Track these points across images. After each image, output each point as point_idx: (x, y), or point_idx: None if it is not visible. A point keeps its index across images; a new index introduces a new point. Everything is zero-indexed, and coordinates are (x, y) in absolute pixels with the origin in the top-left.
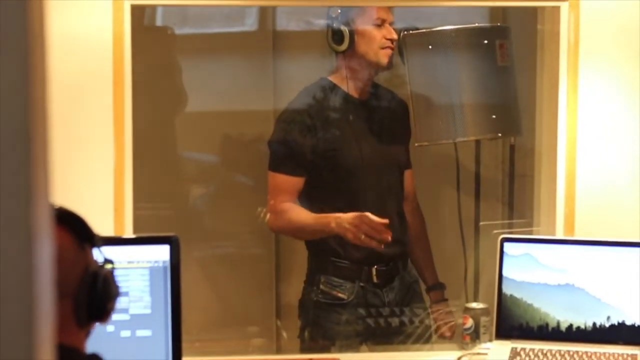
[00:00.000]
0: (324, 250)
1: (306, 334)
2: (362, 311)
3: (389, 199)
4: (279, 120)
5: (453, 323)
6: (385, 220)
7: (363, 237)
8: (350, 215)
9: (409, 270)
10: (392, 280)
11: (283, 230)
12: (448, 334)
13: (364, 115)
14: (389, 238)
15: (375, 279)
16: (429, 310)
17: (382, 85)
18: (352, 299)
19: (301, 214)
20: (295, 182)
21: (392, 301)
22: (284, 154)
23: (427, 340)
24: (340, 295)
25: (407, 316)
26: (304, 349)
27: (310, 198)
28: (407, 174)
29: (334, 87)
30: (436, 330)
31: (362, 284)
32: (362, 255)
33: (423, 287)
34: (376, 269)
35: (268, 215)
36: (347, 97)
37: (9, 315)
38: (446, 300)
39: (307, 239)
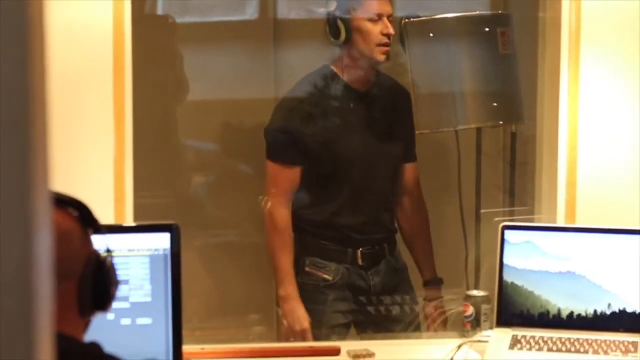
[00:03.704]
0: (310, 233)
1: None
2: (348, 293)
3: (379, 186)
4: (276, 108)
5: (443, 319)
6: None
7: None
8: (297, 313)
9: (397, 256)
10: (377, 264)
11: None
12: (437, 330)
13: (363, 105)
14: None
15: (360, 261)
16: (423, 304)
17: (386, 74)
18: (337, 280)
19: (282, 249)
20: (292, 172)
21: (378, 284)
22: (280, 143)
23: (417, 327)
24: (325, 276)
25: (394, 301)
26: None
27: (305, 187)
28: (409, 166)
29: (334, 76)
30: (427, 325)
31: (347, 266)
32: (347, 237)
33: (414, 275)
34: (361, 251)
35: (268, 205)
36: (346, 87)
37: (7, 305)
38: (440, 297)
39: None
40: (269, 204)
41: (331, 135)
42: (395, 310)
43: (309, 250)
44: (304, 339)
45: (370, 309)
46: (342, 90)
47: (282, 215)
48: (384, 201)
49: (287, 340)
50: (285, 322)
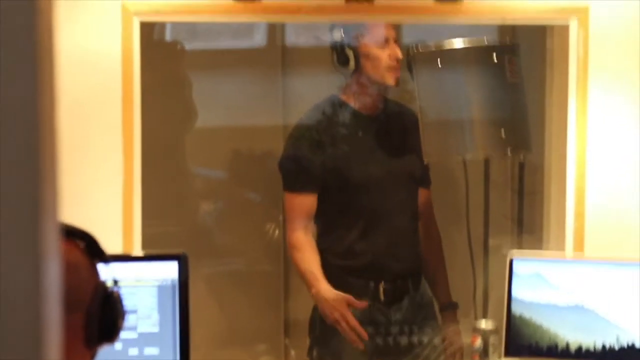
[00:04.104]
0: (332, 266)
1: (315, 352)
2: (368, 329)
3: (400, 215)
4: (289, 138)
5: (460, 346)
6: (364, 335)
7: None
8: (333, 297)
9: (422, 291)
10: (400, 299)
11: (294, 264)
12: (453, 358)
13: (374, 130)
14: (361, 345)
15: (382, 297)
16: (442, 333)
17: (395, 101)
18: (357, 316)
19: (307, 263)
20: (309, 200)
21: (400, 320)
22: (296, 172)
23: None
24: None
25: (415, 336)
26: None
27: (322, 216)
28: (423, 191)
29: (343, 104)
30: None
31: (368, 302)
32: (367, 269)
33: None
34: (383, 286)
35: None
36: (356, 113)
37: (16, 336)
38: (457, 322)
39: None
40: (287, 232)
41: (345, 162)
42: (417, 344)
43: (330, 283)
44: (346, 320)
45: (391, 343)
46: (353, 117)
47: (301, 237)
48: (403, 229)
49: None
50: (324, 313)
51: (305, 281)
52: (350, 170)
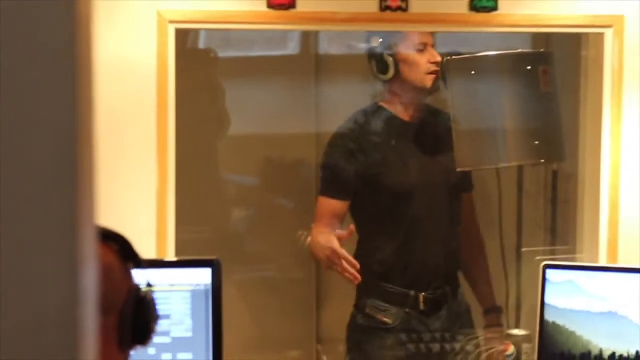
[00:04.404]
0: (373, 273)
1: (351, 358)
2: (405, 337)
3: (440, 222)
4: (329, 145)
5: (502, 349)
6: (355, 264)
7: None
8: (321, 237)
9: (460, 299)
10: (439, 309)
11: (313, 255)
12: None
13: (415, 136)
14: (356, 281)
15: (422, 306)
16: (481, 335)
17: (433, 107)
18: (396, 324)
19: (313, 237)
20: (340, 206)
21: (438, 329)
22: (331, 178)
23: None
24: (385, 319)
25: (452, 344)
26: None
27: (362, 223)
28: (466, 195)
29: (384, 111)
30: (486, 356)
31: (407, 310)
32: (408, 277)
33: (475, 315)
34: (424, 295)
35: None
36: (396, 121)
37: (53, 340)
38: (501, 325)
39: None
40: (313, 230)
41: (385, 169)
42: (454, 352)
43: (370, 291)
44: (337, 254)
45: (429, 352)
46: (393, 123)
47: (319, 231)
48: (444, 237)
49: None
50: (320, 259)
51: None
52: (390, 177)
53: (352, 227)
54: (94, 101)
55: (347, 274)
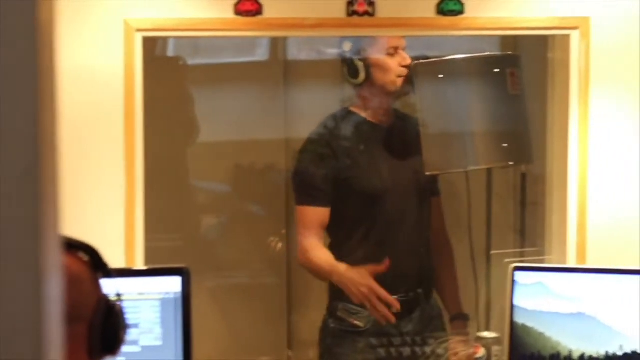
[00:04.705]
0: None
1: None
2: (377, 340)
3: (412, 225)
4: (301, 152)
5: (467, 356)
6: (396, 304)
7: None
8: (356, 273)
9: (433, 302)
10: (412, 312)
11: (307, 268)
12: None
13: (385, 141)
14: (392, 319)
15: (393, 309)
16: (448, 341)
17: (403, 112)
18: (368, 328)
19: (321, 256)
20: (322, 213)
21: (410, 332)
22: (308, 186)
23: None
24: (356, 322)
25: (424, 347)
26: None
27: (335, 227)
28: (433, 200)
29: (354, 116)
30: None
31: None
32: (382, 284)
33: (448, 318)
34: (395, 299)
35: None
36: (367, 124)
37: (19, 350)
38: (467, 333)
39: (326, 281)
40: (299, 246)
41: (357, 173)
42: (424, 355)
43: (342, 295)
44: (375, 293)
45: (400, 355)
46: (364, 127)
47: (312, 242)
48: (415, 240)
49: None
50: (352, 293)
51: (323, 274)
52: (362, 181)
53: (388, 261)
54: (57, 110)
55: (380, 315)
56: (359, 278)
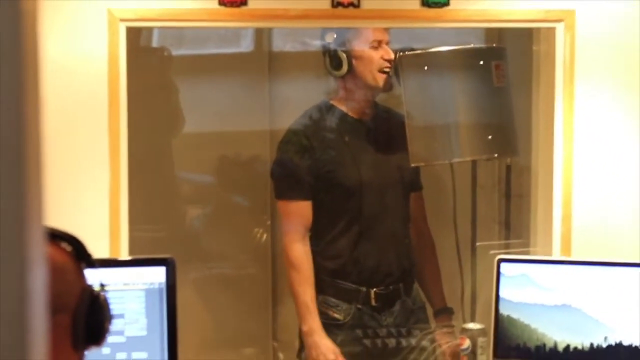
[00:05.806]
0: (326, 270)
1: (303, 355)
2: (358, 333)
3: (391, 219)
4: (280, 145)
5: (452, 351)
6: None
7: None
8: (325, 348)
9: (414, 296)
10: (392, 304)
11: (289, 283)
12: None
13: (364, 135)
14: None
15: (373, 302)
16: (433, 333)
17: (385, 106)
18: (347, 320)
19: (301, 284)
20: (305, 207)
21: (391, 325)
22: (290, 179)
23: None
24: (335, 315)
25: (408, 339)
26: None
27: (316, 222)
28: (415, 195)
29: (334, 109)
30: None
31: (359, 306)
32: (360, 274)
33: (431, 311)
34: (375, 291)
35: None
36: (347, 118)
37: (2, 339)
38: (451, 326)
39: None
40: (285, 242)
41: (336, 167)
42: (407, 348)
43: (321, 287)
44: None
45: (381, 347)
46: (344, 121)
47: (299, 251)
48: (395, 234)
49: None
50: (311, 357)
51: (298, 312)
52: (341, 175)
53: None
54: (41, 100)
55: None
56: (325, 349)
